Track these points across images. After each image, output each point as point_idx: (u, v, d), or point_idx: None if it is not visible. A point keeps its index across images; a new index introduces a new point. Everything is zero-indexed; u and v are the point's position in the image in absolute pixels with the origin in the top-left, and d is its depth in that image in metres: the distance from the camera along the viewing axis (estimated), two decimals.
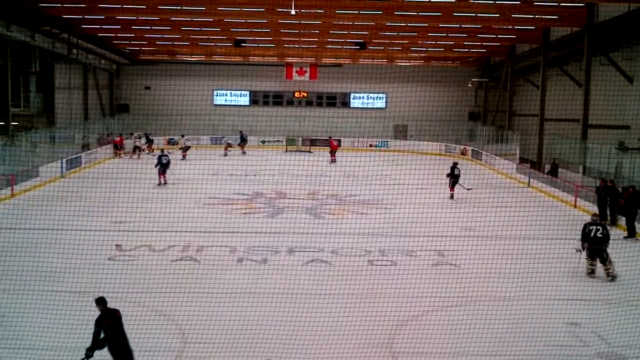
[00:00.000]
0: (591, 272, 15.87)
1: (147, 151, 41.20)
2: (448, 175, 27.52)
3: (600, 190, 22.31)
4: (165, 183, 28.99)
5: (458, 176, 27.36)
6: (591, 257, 15.90)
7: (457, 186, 27.26)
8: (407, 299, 13.11)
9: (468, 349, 10.87)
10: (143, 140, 42.19)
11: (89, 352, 9.42)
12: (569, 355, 11.00)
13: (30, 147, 30.55)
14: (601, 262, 15.79)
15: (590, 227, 15.95)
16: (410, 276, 14.48)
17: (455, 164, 27.86)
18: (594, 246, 15.78)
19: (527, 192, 29.73)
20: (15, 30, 29.95)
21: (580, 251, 15.83)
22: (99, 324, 9.57)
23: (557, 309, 13.10)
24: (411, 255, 17.39)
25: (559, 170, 30.48)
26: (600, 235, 15.78)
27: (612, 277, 15.52)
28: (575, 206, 25.39)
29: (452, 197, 27.01)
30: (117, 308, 9.93)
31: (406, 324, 12.20)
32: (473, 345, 10.95)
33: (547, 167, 31.89)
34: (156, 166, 29.19)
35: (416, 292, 13.37)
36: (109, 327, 9.62)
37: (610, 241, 15.94)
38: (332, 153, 40.72)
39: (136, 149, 40.27)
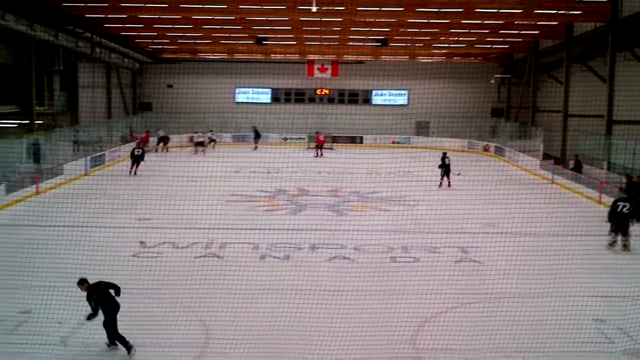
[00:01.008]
0: (612, 244, 17.75)
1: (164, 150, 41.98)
2: (440, 166, 29.00)
3: (625, 187, 22.06)
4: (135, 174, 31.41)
5: (449, 165, 28.90)
6: (615, 230, 17.68)
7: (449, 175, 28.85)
8: (431, 296, 13.06)
9: (492, 345, 10.81)
10: (208, 135, 43.48)
11: (90, 318, 10.64)
12: (594, 352, 10.92)
13: (54, 145, 30.80)
14: (622, 235, 17.56)
15: (618, 203, 17.88)
16: (433, 273, 14.45)
17: (445, 154, 29.31)
18: (621, 220, 17.56)
19: (551, 189, 29.50)
20: (39, 30, 30.20)
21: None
22: (90, 299, 10.62)
23: (582, 305, 12.96)
24: (434, 252, 17.33)
25: (583, 166, 30.20)
26: (627, 211, 17.63)
27: (627, 248, 17.40)
28: (600, 202, 25.14)
29: (440, 185, 28.73)
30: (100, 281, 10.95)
31: (430, 320, 12.17)
32: (497, 342, 10.88)
33: (571, 164, 31.63)
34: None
35: (439, 289, 13.33)
36: (100, 299, 10.60)
37: (634, 235, 17.05)
38: (319, 148, 41.92)
39: (199, 144, 41.75)
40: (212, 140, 42.51)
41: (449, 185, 28.64)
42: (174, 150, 42.37)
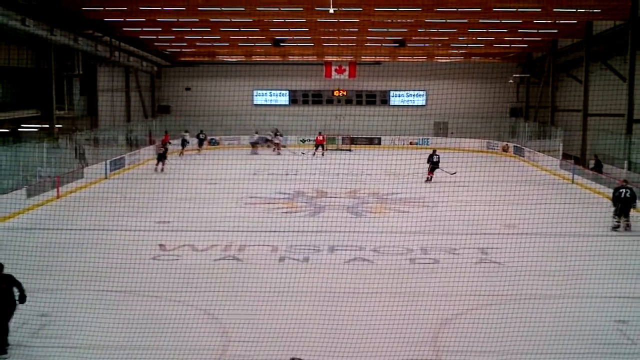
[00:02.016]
0: (616, 227, 20.13)
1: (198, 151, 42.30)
2: (428, 161, 30.60)
3: None
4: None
5: (437, 162, 30.54)
6: (619, 214, 20.11)
7: (437, 171, 30.35)
8: (450, 297, 13.01)
9: (513, 347, 10.74)
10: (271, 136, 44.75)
11: None
12: (617, 353, 10.82)
13: (73, 149, 31.05)
14: (625, 217, 20.10)
15: (620, 190, 20.27)
16: (453, 274, 14.39)
17: (434, 151, 31.22)
18: (624, 204, 20.05)
19: (571, 189, 29.29)
20: (59, 34, 30.41)
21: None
22: None
23: (604, 306, 12.88)
24: (453, 253, 17.25)
25: (604, 166, 29.96)
26: (629, 196, 20.08)
27: (629, 228, 20.02)
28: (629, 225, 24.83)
29: (428, 180, 30.25)
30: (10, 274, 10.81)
31: (450, 321, 12.11)
32: (518, 344, 10.81)
33: (591, 163, 31.39)
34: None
35: (459, 290, 13.28)
36: (3, 292, 10.56)
37: None
38: (317, 147, 42.44)
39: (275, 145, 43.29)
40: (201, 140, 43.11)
41: (427, 180, 30.26)
42: (191, 154, 42.50)
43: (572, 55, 38.76)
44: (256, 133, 45.07)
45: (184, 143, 41.95)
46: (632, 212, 20.79)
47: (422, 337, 11.18)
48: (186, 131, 43.35)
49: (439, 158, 30.93)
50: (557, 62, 41.20)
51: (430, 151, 31.83)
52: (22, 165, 25.22)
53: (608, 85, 31.95)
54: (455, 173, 30.48)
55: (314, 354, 10.35)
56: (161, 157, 34.41)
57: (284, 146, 44.37)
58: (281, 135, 45.39)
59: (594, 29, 34.14)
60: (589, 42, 34.25)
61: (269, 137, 44.95)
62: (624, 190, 20.26)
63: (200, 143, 44.08)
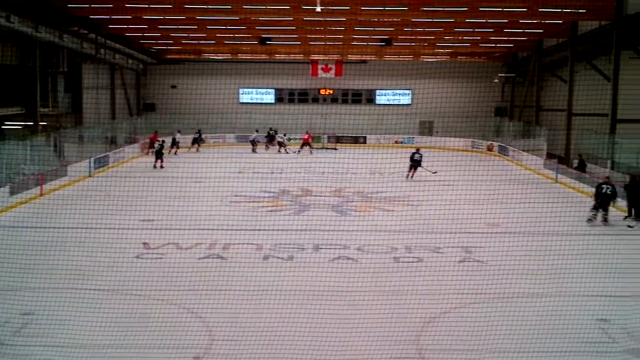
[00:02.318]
0: (590, 220, 21.30)
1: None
2: (410, 159, 31.37)
3: (629, 186, 22.09)
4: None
5: (418, 161, 31.12)
6: (597, 208, 21.33)
7: (420, 170, 30.97)
8: (434, 296, 13.06)
9: (496, 345, 10.79)
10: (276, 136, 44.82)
11: None
12: (598, 351, 10.89)
13: (58, 146, 30.90)
14: (603, 211, 21.26)
15: (602, 186, 21.48)
16: (437, 273, 14.44)
17: (417, 150, 32.22)
18: (604, 199, 21.21)
19: (555, 188, 29.46)
20: (43, 31, 30.25)
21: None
22: None
23: (586, 305, 12.96)
24: (437, 252, 17.32)
25: (587, 165, 30.14)
26: (609, 193, 21.22)
27: (607, 222, 21.22)
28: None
29: (407, 177, 30.89)
30: None
31: (433, 320, 12.15)
32: (501, 342, 10.86)
33: (575, 163, 31.58)
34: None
35: (443, 289, 13.33)
36: None
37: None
38: (303, 145, 42.95)
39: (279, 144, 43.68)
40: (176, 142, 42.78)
41: (412, 177, 30.87)
42: (185, 151, 42.35)
43: (557, 55, 38.97)
44: (256, 131, 44.98)
45: (175, 142, 41.59)
46: (614, 210, 21.84)
47: (406, 335, 11.21)
48: (179, 131, 43.16)
49: (420, 157, 31.37)
50: (542, 61, 41.42)
51: (414, 149, 32.53)
52: (5, 163, 25.09)
53: (592, 85, 32.13)
54: (436, 172, 30.75)
55: (298, 352, 10.36)
56: (159, 154, 34.58)
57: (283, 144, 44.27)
58: (279, 134, 45.26)
59: (579, 29, 34.34)
60: (574, 42, 34.45)
61: (279, 138, 44.74)
62: (605, 186, 21.41)
63: (194, 142, 43.79)
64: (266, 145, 45.05)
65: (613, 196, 21.46)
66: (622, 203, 22.71)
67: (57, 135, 31.80)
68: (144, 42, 44.52)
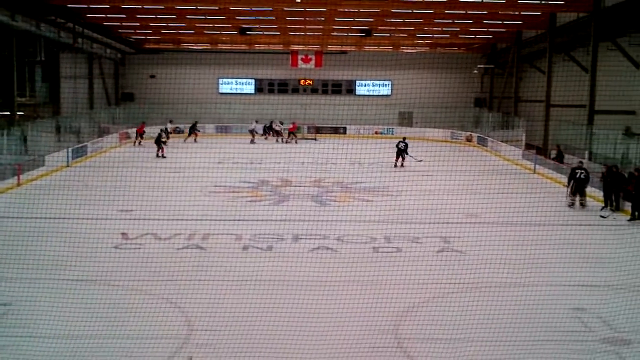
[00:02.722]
0: (571, 205, 22.64)
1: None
2: (396, 146, 32.36)
3: (605, 177, 22.30)
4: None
5: (403, 150, 32.11)
6: (574, 193, 22.52)
7: (408, 159, 32.12)
8: (413, 286, 13.11)
9: (474, 334, 10.87)
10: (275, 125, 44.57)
11: None
12: (574, 340, 11.01)
13: (36, 136, 30.60)
14: (580, 196, 22.47)
15: (577, 170, 22.55)
16: (416, 263, 14.51)
17: (403, 139, 33.22)
18: (579, 184, 22.32)
19: (533, 178, 29.67)
20: (20, 20, 29.94)
21: None
22: None
23: (562, 294, 13.11)
24: (416, 242, 17.40)
25: (565, 156, 30.38)
26: (583, 177, 22.29)
27: (583, 205, 22.44)
28: (584, 201, 25.24)
29: (395, 165, 31.93)
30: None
31: (412, 310, 12.22)
32: (479, 331, 10.95)
33: (553, 153, 31.81)
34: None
35: (421, 279, 13.38)
36: None
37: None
38: (290, 135, 43.33)
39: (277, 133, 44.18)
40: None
41: (402, 165, 31.99)
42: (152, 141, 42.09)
43: (536, 47, 39.19)
44: (256, 122, 44.79)
45: (165, 132, 41.27)
46: (591, 200, 22.68)
47: (385, 325, 11.26)
48: (170, 121, 42.93)
49: (405, 146, 32.26)
50: (521, 53, 41.61)
51: (400, 139, 33.40)
52: None
53: (570, 77, 32.37)
54: (421, 160, 31.50)
55: (277, 342, 10.38)
56: (159, 142, 34.95)
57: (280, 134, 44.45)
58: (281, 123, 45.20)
59: (558, 20, 34.51)
60: (553, 34, 34.62)
61: (276, 127, 44.84)
62: (579, 171, 22.54)
63: (191, 131, 43.90)
64: (265, 136, 45.03)
65: (587, 180, 22.40)
66: (599, 193, 22.94)
67: (21, 124, 31.17)
68: (122, 32, 44.18)
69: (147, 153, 35.66)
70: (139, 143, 40.48)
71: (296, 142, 42.12)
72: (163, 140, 35.27)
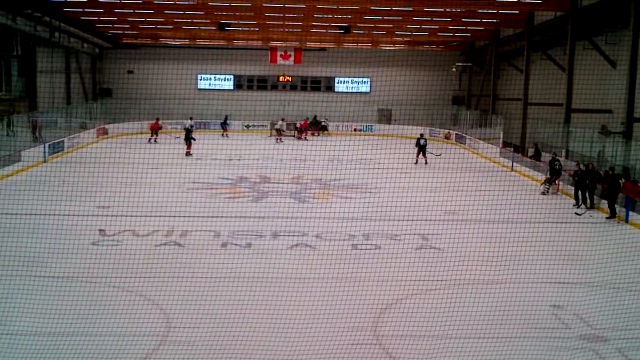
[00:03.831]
0: (544, 192, 24.84)
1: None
2: (416, 145, 32.87)
3: (578, 174, 22.48)
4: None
5: (424, 146, 32.54)
6: (550, 182, 24.79)
7: (427, 154, 32.39)
8: (391, 283, 13.16)
9: (452, 331, 10.93)
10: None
11: None
12: (551, 337, 11.11)
13: (11, 131, 30.33)
14: (555, 184, 24.90)
15: (555, 162, 24.89)
16: (394, 260, 14.54)
17: (421, 135, 33.93)
18: (558, 174, 24.68)
19: (511, 176, 29.86)
20: None
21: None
22: None
23: (539, 291, 13.21)
24: (395, 239, 17.45)
25: (542, 154, 30.61)
26: (559, 167, 24.79)
27: (552, 193, 24.88)
28: (558, 190, 25.53)
29: (416, 162, 32.21)
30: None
31: (390, 307, 12.26)
32: (457, 328, 11.01)
33: (531, 151, 32.04)
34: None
35: (400, 276, 13.41)
36: None
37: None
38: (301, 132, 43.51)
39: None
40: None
41: (426, 162, 32.08)
42: (136, 137, 41.87)
43: (514, 45, 39.39)
44: (282, 120, 44.38)
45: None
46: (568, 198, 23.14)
47: (364, 322, 11.29)
48: (190, 118, 42.75)
49: (425, 142, 33.00)
50: (499, 51, 41.85)
51: (418, 135, 34.34)
52: None
53: (548, 75, 32.63)
54: (440, 155, 32.77)
55: (255, 339, 10.37)
56: (188, 140, 34.23)
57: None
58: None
59: (535, 19, 34.73)
60: (530, 33, 34.85)
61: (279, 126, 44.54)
62: (557, 162, 24.98)
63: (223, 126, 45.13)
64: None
65: (561, 170, 24.90)
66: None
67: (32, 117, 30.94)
68: (99, 26, 43.81)
69: (168, 149, 35.26)
70: (155, 140, 40.19)
71: (305, 139, 42.59)
72: (192, 137, 34.48)
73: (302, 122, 44.77)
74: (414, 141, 33.69)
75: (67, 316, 11.10)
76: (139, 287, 12.92)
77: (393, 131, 46.87)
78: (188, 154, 33.77)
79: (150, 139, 40.03)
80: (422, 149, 32.46)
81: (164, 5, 34.38)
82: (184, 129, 37.54)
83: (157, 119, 41.29)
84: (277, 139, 42.49)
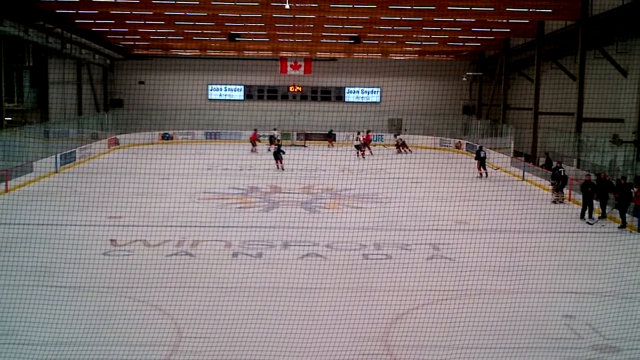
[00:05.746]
0: (555, 201, 24.94)
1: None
2: (475, 158, 32.68)
3: (585, 185, 22.16)
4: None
5: (484, 158, 32.25)
6: (558, 189, 24.91)
7: (486, 167, 32.37)
8: (402, 293, 13.12)
9: (463, 341, 10.89)
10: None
11: None
12: (564, 347, 11.03)
13: (24, 142, 30.45)
14: (562, 192, 24.98)
15: (560, 169, 25.03)
16: (405, 270, 14.49)
17: (480, 147, 33.37)
18: (564, 182, 24.82)
19: (522, 186, 29.77)
20: (8, 25, 29.83)
21: None
22: None
23: (552, 301, 13.14)
24: (406, 249, 17.40)
25: (554, 163, 30.48)
26: (565, 175, 24.87)
27: (563, 202, 24.99)
28: (569, 199, 25.43)
29: (480, 175, 31.97)
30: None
31: (401, 317, 12.21)
32: (468, 338, 10.97)
33: (542, 161, 31.94)
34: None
35: (411, 286, 13.38)
36: None
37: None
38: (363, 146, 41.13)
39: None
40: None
41: (486, 175, 32.02)
42: (141, 148, 42.03)
43: (524, 54, 39.35)
44: (358, 133, 41.96)
45: (272, 140, 41.03)
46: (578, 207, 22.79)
47: (374, 332, 11.26)
48: (275, 129, 43.34)
49: (485, 154, 32.62)
50: (509, 61, 41.79)
51: (477, 147, 34.07)
52: None
53: (559, 84, 32.53)
54: (499, 168, 33.62)
55: (266, 350, 10.35)
56: (277, 156, 33.21)
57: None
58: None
59: (546, 28, 34.69)
60: (541, 42, 34.79)
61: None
62: (562, 169, 25.09)
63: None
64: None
65: (567, 178, 25.05)
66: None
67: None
68: (111, 37, 44.06)
69: (130, 160, 35.38)
70: (255, 150, 41.30)
71: (371, 154, 40.52)
72: (283, 151, 33.87)
73: (365, 134, 41.57)
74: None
75: (78, 326, 11.13)
76: (150, 297, 12.94)
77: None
78: (281, 168, 33.10)
79: (252, 149, 41.18)
80: (482, 161, 32.11)
81: (175, 16, 34.53)
82: (273, 141, 38.64)
83: (256, 130, 41.90)
84: (268, 148, 41.00)
